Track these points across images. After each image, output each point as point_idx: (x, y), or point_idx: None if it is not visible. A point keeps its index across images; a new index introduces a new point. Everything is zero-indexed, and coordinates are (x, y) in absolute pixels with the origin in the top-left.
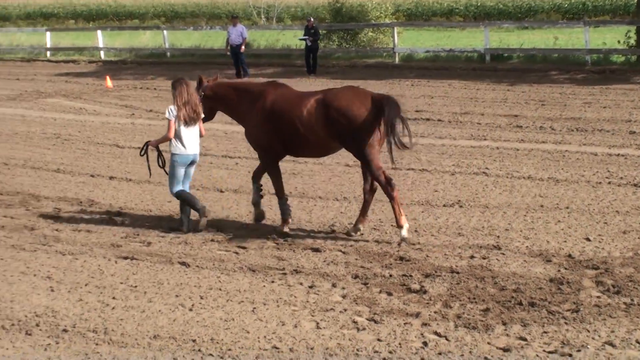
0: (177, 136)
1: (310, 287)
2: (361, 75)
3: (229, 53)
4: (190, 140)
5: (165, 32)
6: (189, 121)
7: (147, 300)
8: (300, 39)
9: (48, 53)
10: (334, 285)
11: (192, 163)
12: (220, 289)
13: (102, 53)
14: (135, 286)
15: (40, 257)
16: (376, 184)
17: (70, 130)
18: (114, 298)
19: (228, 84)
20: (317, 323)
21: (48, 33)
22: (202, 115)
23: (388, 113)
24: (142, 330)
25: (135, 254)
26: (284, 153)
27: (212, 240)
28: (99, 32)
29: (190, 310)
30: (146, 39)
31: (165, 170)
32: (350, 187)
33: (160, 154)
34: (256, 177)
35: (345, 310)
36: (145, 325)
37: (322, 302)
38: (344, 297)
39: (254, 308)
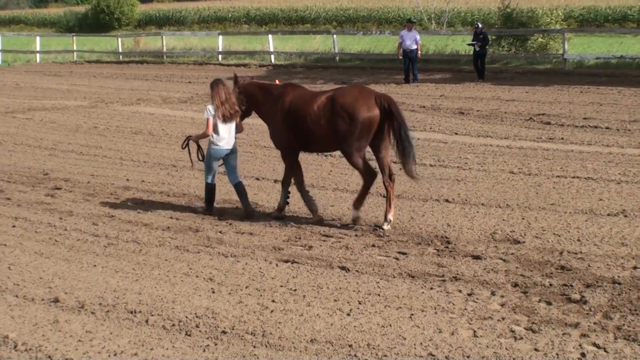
0: (215, 132)
1: (469, 294)
2: (530, 82)
3: (400, 57)
4: (227, 136)
5: (335, 36)
6: (227, 118)
7: (306, 304)
8: (469, 44)
9: (220, 57)
10: (493, 294)
11: (226, 155)
12: (378, 295)
13: (272, 57)
14: (295, 290)
15: (203, 258)
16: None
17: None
18: (273, 301)
19: (256, 84)
20: (475, 331)
21: (220, 37)
22: (239, 112)
23: (397, 117)
24: (300, 334)
25: (296, 258)
26: (300, 149)
27: (373, 245)
28: (269, 36)
29: (348, 315)
30: (316, 43)
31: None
32: (514, 194)
33: (199, 148)
34: (285, 183)
35: (504, 318)
36: (302, 329)
37: (480, 310)
38: (502, 305)
39: (412, 314)
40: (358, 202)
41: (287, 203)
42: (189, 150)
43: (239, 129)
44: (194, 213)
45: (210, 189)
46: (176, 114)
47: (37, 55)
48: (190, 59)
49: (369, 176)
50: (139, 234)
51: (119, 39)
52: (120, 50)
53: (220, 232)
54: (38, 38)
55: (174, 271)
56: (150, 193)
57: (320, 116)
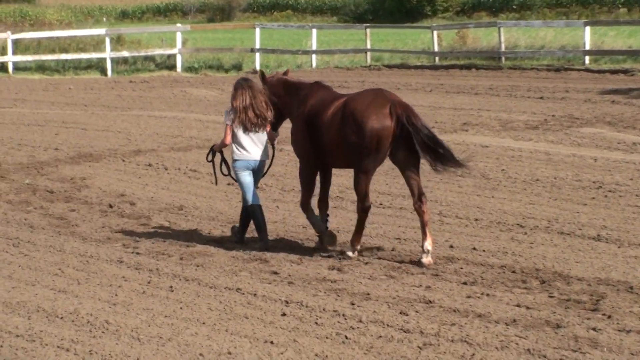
0: (237, 141)
1: None
2: None
3: None
4: (252, 146)
5: None
6: (250, 127)
7: None
8: None
9: (586, 58)
10: None
11: (254, 170)
12: None
13: None
14: None
15: None
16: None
17: (617, 177)
18: None
19: (284, 82)
20: None
21: (587, 28)
22: (269, 118)
23: (413, 127)
24: None
25: None
26: (320, 164)
27: None
28: None
29: None
30: None
31: (232, 177)
32: None
33: (223, 160)
34: (304, 206)
35: None
36: None
37: None
38: None
39: None
40: (355, 240)
41: (327, 227)
42: (213, 162)
43: (270, 139)
44: (553, 298)
45: (254, 211)
46: (522, 146)
47: (313, 56)
48: (542, 62)
49: (364, 207)
50: (470, 330)
51: (435, 32)
52: (436, 48)
53: (593, 329)
54: (314, 31)
55: None
56: (485, 268)
57: (332, 124)
